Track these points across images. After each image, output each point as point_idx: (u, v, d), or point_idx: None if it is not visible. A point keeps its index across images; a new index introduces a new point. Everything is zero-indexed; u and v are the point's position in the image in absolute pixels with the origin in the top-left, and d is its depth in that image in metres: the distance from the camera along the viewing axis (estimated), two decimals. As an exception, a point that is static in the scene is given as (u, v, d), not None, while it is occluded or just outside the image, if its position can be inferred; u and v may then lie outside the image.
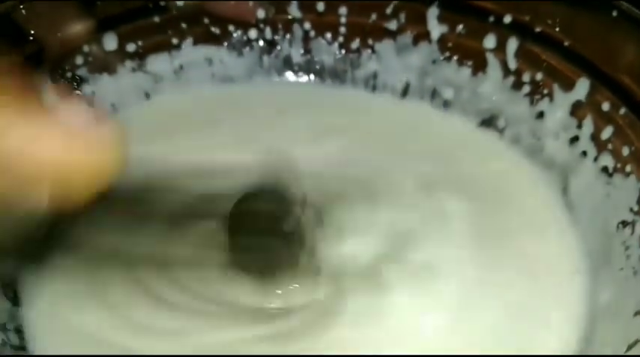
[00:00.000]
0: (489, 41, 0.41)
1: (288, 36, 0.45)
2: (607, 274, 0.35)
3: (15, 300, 0.33)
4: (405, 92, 0.45)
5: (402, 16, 0.43)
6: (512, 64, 0.41)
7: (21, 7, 0.37)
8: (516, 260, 0.36)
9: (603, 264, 0.35)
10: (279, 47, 0.45)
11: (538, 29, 0.40)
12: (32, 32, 0.36)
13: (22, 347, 0.31)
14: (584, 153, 0.38)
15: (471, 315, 0.33)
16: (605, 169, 0.37)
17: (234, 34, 0.45)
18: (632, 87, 0.36)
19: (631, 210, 0.34)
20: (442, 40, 0.43)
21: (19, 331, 0.32)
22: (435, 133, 0.43)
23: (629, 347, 0.30)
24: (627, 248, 0.34)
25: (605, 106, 0.37)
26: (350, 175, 0.39)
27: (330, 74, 0.46)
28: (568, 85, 0.39)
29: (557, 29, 0.39)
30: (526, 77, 0.41)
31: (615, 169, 0.36)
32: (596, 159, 0.37)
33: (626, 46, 0.36)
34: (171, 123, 0.41)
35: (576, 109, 0.39)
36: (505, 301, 0.34)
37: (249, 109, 0.43)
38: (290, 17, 0.45)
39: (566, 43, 0.39)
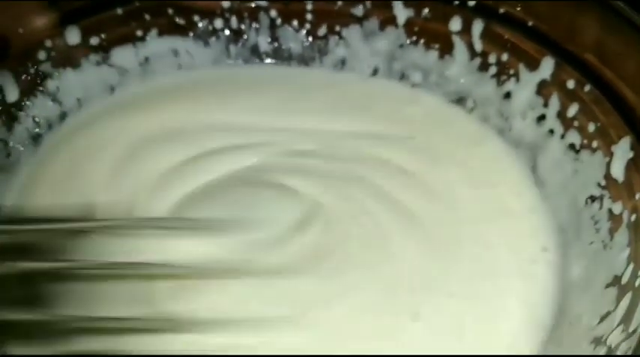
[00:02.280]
0: (455, 24, 0.42)
1: (254, 24, 0.45)
2: (578, 248, 0.35)
3: None
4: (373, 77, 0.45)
5: (368, 2, 0.43)
6: (478, 46, 0.42)
7: (-20, 2, 0.36)
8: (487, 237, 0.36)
9: (574, 239, 0.36)
10: (245, 36, 0.45)
11: (502, 10, 0.40)
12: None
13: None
14: (552, 131, 0.39)
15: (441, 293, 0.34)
16: (572, 146, 0.37)
17: (200, 24, 0.44)
18: (595, 64, 0.36)
19: (599, 185, 0.35)
20: (408, 25, 0.43)
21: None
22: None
23: (602, 318, 0.30)
24: (596, 222, 0.35)
25: (570, 84, 0.37)
26: None
27: (298, 61, 0.45)
28: (533, 65, 0.39)
29: (521, 9, 0.39)
30: (492, 58, 0.41)
31: (582, 146, 0.37)
32: (563, 136, 0.38)
33: (589, 24, 0.37)
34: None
35: (542, 88, 0.39)
36: (477, 276, 0.34)
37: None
38: (256, 5, 0.44)
39: (530, 23, 0.39)
